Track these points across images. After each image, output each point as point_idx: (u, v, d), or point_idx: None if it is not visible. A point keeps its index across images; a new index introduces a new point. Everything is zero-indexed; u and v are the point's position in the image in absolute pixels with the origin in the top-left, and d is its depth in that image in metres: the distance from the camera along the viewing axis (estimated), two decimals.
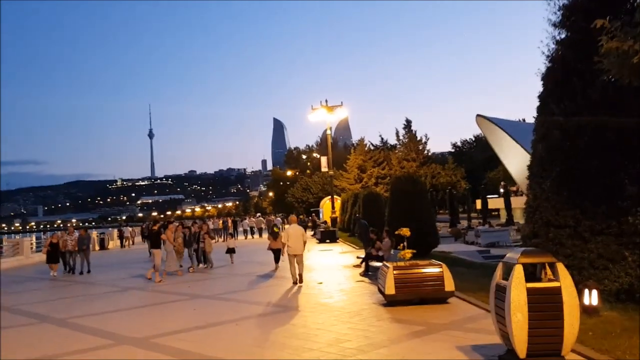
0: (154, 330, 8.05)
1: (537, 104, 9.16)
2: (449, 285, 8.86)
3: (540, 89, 9.12)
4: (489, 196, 43.88)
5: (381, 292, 9.20)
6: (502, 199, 40.41)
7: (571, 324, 5.04)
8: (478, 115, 35.85)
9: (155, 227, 16.07)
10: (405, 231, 9.75)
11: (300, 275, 12.36)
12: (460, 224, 41.01)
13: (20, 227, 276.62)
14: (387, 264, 9.29)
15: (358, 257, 15.60)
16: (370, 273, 13.14)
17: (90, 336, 7.98)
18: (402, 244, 9.70)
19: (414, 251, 9.51)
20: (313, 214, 42.66)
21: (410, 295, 8.82)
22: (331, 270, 14.97)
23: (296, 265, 12.34)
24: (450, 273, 8.93)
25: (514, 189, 42.38)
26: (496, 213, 52.36)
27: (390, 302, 8.89)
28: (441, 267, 8.93)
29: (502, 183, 45.78)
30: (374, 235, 14.57)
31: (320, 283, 12.41)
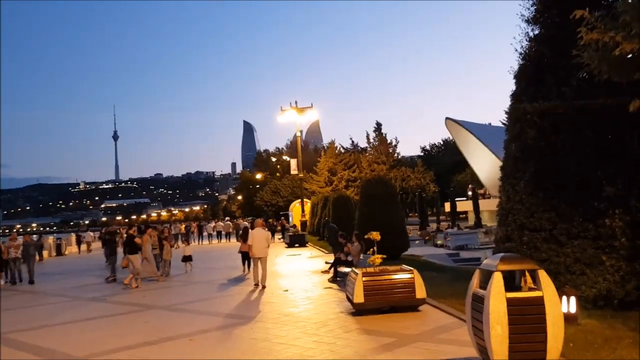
0: (98, 347, 7.27)
1: (510, 103, 8.83)
2: (420, 292, 8.41)
3: (513, 87, 8.81)
4: (457, 199, 44.42)
5: (350, 300, 8.66)
6: (470, 202, 40.94)
7: (555, 336, 4.61)
8: (447, 119, 36.17)
9: (131, 231, 15.32)
10: (375, 235, 9.25)
11: (263, 279, 12.30)
12: (429, 226, 41.26)
13: None
14: (356, 270, 8.77)
15: (327, 262, 15.05)
16: (339, 279, 12.60)
17: (24, 354, 7.17)
18: (372, 249, 9.20)
19: (384, 256, 9.04)
20: (282, 218, 41.87)
21: (380, 304, 8.32)
22: (298, 276, 14.35)
23: (260, 268, 12.30)
24: (421, 279, 8.49)
25: (482, 191, 42.99)
26: (464, 215, 53.14)
27: (359, 310, 8.36)
28: (412, 273, 8.47)
29: (469, 186, 46.44)
30: (343, 240, 14.05)
31: (286, 290, 11.79)
